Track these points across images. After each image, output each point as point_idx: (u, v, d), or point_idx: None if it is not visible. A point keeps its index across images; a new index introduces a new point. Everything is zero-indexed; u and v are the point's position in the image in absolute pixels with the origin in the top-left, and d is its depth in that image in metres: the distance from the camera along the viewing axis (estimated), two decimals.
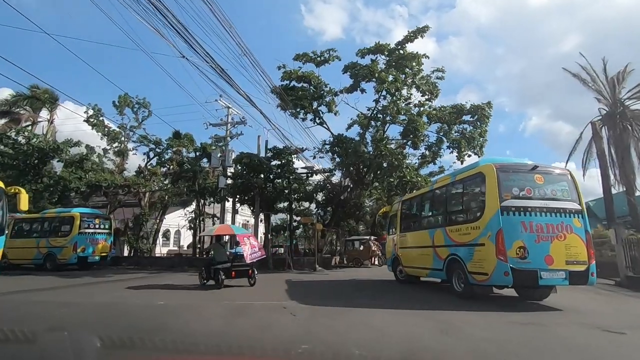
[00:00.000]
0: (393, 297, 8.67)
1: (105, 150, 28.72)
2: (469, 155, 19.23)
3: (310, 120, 17.98)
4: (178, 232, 45.14)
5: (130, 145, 29.29)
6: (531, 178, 7.42)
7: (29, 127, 28.91)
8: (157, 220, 25.31)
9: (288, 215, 20.18)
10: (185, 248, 34.75)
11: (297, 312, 5.82)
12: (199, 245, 22.41)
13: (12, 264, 17.06)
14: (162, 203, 25.74)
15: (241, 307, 6.31)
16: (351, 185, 19.17)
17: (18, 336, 3.14)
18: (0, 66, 41.99)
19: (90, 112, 28.85)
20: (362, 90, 16.69)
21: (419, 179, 16.24)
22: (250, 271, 9.87)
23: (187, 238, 45.66)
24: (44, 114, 32.35)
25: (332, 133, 19.04)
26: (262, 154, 18.74)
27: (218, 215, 23.55)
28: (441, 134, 19.24)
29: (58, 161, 21.43)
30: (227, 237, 11.63)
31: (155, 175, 26.26)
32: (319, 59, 18.18)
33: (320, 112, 18.10)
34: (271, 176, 17.74)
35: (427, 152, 19.26)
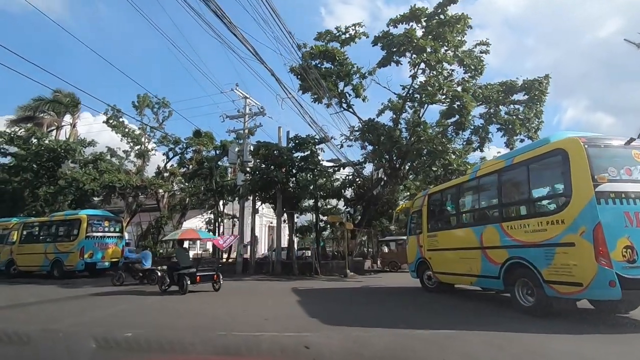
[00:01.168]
0: (442, 314, 6.68)
1: (126, 153, 28.16)
2: (522, 140, 16.36)
3: (336, 104, 15.72)
4: None
5: (150, 146, 28.58)
6: (628, 155, 5.60)
7: (53, 132, 28.70)
8: (177, 224, 23.97)
9: (314, 215, 18.02)
10: (202, 252, 33.54)
11: (326, 356, 3.59)
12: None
13: (21, 271, 16.02)
14: (182, 205, 24.41)
15: (242, 345, 4.17)
16: (384, 179, 16.73)
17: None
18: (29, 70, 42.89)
19: (110, 113, 28.45)
20: (397, 62, 14.21)
21: (468, 167, 13.62)
22: (215, 276, 9.81)
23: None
24: (67, 119, 32.38)
25: (359, 119, 16.74)
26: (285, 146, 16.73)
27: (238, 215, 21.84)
28: (486, 117, 16.44)
29: (72, 162, 20.48)
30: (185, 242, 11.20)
31: (174, 175, 25.05)
32: (343, 36, 15.95)
33: (347, 95, 15.85)
34: (293, 170, 15.67)
35: (473, 137, 16.45)
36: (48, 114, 30.87)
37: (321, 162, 15.41)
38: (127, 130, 29.02)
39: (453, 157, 13.46)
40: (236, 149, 18.61)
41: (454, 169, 13.12)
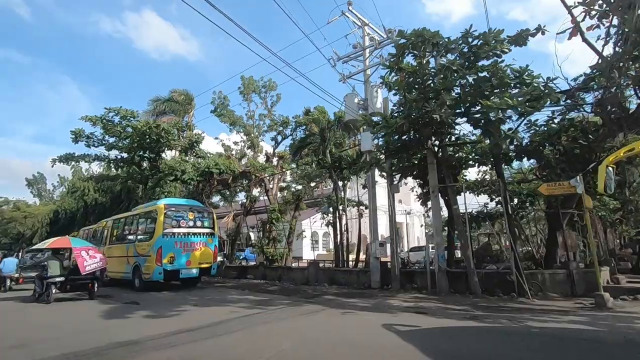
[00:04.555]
0: None
1: (237, 144, 25.94)
2: None
3: None
4: (327, 235, 40.18)
5: (258, 133, 25.80)
6: None
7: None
8: (292, 218, 19.25)
9: (500, 184, 10.27)
10: (325, 252, 28.53)
11: None
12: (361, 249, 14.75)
13: (112, 278, 13.08)
14: (295, 196, 19.64)
15: None
16: None
17: None
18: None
19: (217, 101, 26.40)
20: None
21: None
22: (90, 284, 9.60)
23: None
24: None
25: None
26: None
27: (366, 203, 15.54)
28: None
29: (169, 149, 17.73)
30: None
31: (283, 159, 20.65)
32: None
33: None
34: (465, 104, 8.39)
35: None
36: (166, 114, 31.01)
37: (530, 72, 7.62)
38: (233, 118, 26.77)
39: None
40: (355, 100, 12.43)
41: None
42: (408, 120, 8.10)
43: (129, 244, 11.88)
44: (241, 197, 26.06)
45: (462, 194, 11.79)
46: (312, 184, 16.96)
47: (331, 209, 14.46)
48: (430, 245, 12.22)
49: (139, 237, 11.63)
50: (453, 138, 11.30)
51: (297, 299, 9.09)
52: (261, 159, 22.56)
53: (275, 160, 21.23)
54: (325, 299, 9.05)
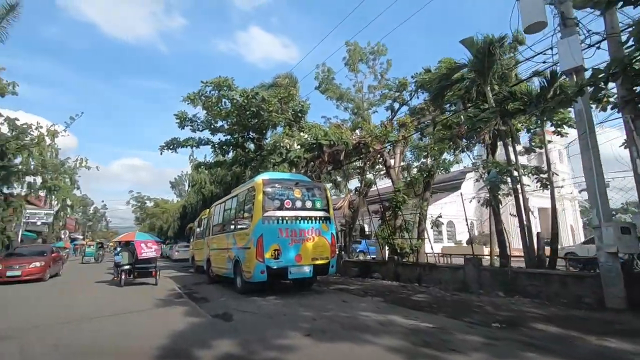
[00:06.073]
0: None
1: (344, 122, 23.20)
2: None
3: None
4: (451, 224, 34.23)
5: (365, 105, 22.45)
6: None
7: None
8: (420, 200, 14.92)
9: None
10: (452, 245, 22.85)
11: None
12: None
13: (217, 275, 11.05)
14: (426, 173, 15.20)
15: None
16: None
17: None
18: None
19: (321, 76, 23.97)
20: None
21: None
22: (153, 272, 10.84)
23: (464, 229, 33.68)
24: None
25: None
26: None
27: (544, 170, 10.15)
28: None
29: (272, 127, 15.29)
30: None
31: (404, 127, 16.50)
32: None
33: None
34: None
35: None
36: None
37: None
38: (341, 92, 23.96)
39: None
40: None
41: None
42: None
43: (229, 234, 9.50)
44: (355, 183, 23.08)
45: None
46: (458, 149, 12.21)
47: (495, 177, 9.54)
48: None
49: (238, 224, 9.11)
50: None
51: (485, 328, 4.98)
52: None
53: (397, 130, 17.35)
54: (543, 333, 4.72)
